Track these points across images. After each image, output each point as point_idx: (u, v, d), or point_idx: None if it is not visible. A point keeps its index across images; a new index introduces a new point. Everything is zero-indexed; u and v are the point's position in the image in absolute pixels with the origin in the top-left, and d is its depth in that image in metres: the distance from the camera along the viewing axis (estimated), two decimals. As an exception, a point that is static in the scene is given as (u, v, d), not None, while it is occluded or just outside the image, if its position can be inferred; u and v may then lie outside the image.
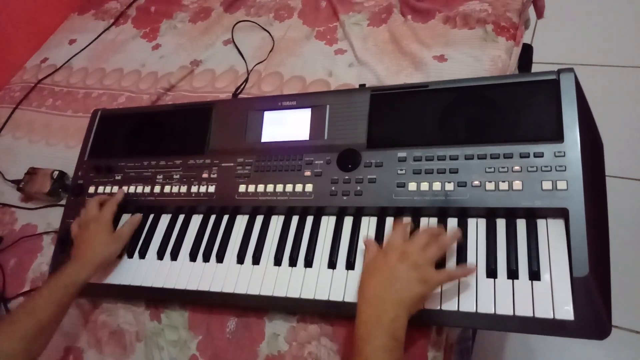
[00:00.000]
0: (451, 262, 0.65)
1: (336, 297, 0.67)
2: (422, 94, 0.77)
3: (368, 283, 0.61)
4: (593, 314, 0.57)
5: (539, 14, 1.08)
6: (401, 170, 0.72)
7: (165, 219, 0.85)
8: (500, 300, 0.60)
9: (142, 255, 0.82)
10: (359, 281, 0.64)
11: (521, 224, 0.65)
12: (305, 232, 0.75)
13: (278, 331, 0.71)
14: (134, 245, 0.83)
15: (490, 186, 0.66)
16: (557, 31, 1.79)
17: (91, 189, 0.90)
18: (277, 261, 0.74)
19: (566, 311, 0.57)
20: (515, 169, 0.66)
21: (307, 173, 0.77)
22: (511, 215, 0.66)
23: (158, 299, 0.79)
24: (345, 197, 0.73)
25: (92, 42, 1.34)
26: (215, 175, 0.83)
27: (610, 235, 0.67)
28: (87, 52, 1.32)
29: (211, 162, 0.84)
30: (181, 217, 0.85)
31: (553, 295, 0.59)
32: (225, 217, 0.82)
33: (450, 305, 0.61)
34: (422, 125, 0.74)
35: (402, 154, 0.73)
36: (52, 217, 0.98)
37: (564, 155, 0.64)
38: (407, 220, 0.69)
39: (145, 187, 0.87)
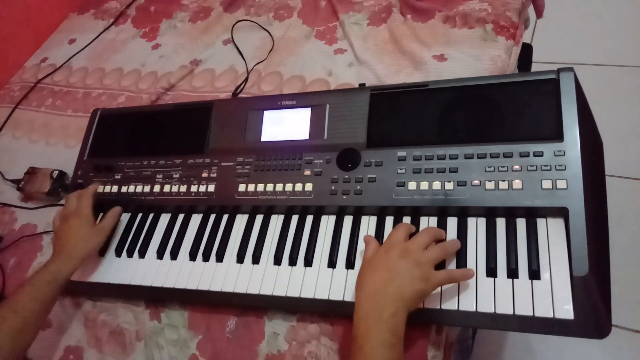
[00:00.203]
0: (451, 263, 0.65)
1: (336, 296, 0.67)
2: (422, 93, 0.77)
3: (368, 278, 0.60)
4: (593, 313, 0.57)
5: (539, 14, 1.08)
6: (401, 169, 0.72)
7: (165, 219, 0.86)
8: (500, 299, 0.60)
9: (142, 254, 0.82)
10: (357, 276, 0.63)
11: (521, 223, 0.65)
12: (305, 231, 0.75)
13: (278, 330, 0.71)
14: (134, 245, 0.83)
15: (490, 185, 0.66)
16: (556, 31, 1.79)
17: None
18: (277, 260, 0.74)
19: (566, 310, 0.57)
20: (515, 168, 0.66)
21: (307, 172, 0.77)
22: (511, 214, 0.66)
23: (158, 298, 0.79)
24: (345, 197, 0.73)
25: (91, 42, 1.34)
26: (214, 175, 0.83)
27: (610, 235, 0.67)
28: (87, 51, 1.32)
29: (211, 162, 0.84)
30: (181, 217, 0.85)
31: (553, 295, 0.59)
32: (225, 217, 0.82)
33: (450, 304, 0.61)
34: (422, 124, 0.74)
35: (401, 153, 0.73)
36: (51, 217, 0.97)
37: (564, 155, 0.64)
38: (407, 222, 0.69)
39: (145, 186, 0.87)
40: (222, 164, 0.83)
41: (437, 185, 0.69)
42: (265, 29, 1.15)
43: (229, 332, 0.73)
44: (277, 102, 0.85)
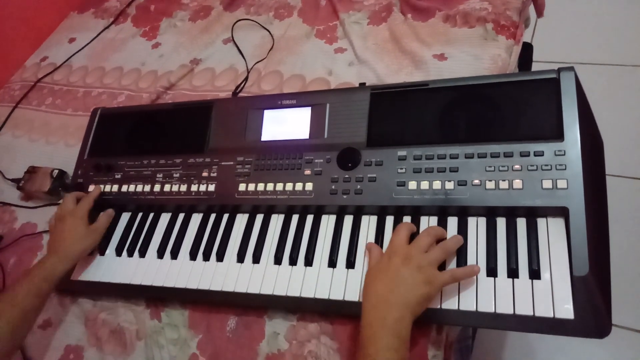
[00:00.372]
0: (451, 262, 0.65)
1: (336, 295, 0.67)
2: (422, 92, 0.77)
3: (372, 287, 0.61)
4: (593, 312, 0.57)
5: (539, 13, 1.07)
6: (401, 169, 0.72)
7: (165, 218, 0.85)
8: (500, 299, 0.60)
9: (142, 254, 0.82)
10: (363, 284, 0.63)
11: (521, 223, 0.65)
12: (306, 231, 0.75)
13: (278, 330, 0.71)
14: (134, 244, 0.83)
15: (490, 185, 0.66)
16: (557, 30, 1.79)
17: (91, 188, 0.90)
18: (277, 260, 0.74)
19: (566, 310, 0.57)
20: (516, 167, 0.66)
21: (307, 172, 0.77)
22: (511, 214, 0.66)
23: (158, 297, 0.79)
24: (345, 196, 0.73)
25: (91, 41, 1.34)
26: (215, 174, 0.83)
27: (610, 234, 0.67)
28: (87, 50, 1.32)
29: (211, 161, 0.84)
30: (181, 216, 0.85)
31: (553, 294, 0.59)
32: (225, 216, 0.82)
33: (450, 304, 0.62)
34: (422, 124, 0.74)
35: (402, 152, 0.73)
36: (52, 216, 0.98)
37: (564, 154, 0.64)
38: (407, 221, 0.69)
39: (145, 185, 0.87)
40: (223, 163, 0.83)
41: (437, 184, 0.69)
42: (265, 28, 1.15)
43: (229, 332, 0.73)
44: (278, 101, 0.85)
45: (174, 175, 0.86)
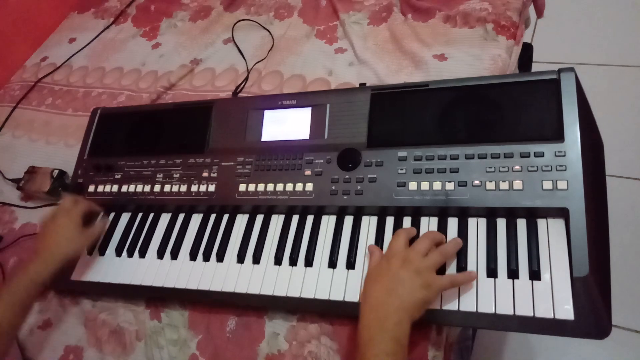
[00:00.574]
0: (452, 264, 0.65)
1: (336, 296, 0.67)
2: (423, 93, 0.77)
3: (371, 290, 0.61)
4: (593, 313, 0.57)
5: (539, 13, 1.07)
6: (401, 169, 0.72)
7: (165, 218, 0.85)
8: (501, 299, 0.60)
9: (142, 254, 0.82)
10: (362, 287, 0.63)
11: (521, 224, 0.65)
12: (306, 231, 0.75)
13: (278, 330, 0.71)
14: (134, 244, 0.83)
15: (490, 186, 0.66)
16: (557, 30, 1.79)
17: (91, 188, 0.90)
18: (278, 260, 0.74)
19: (566, 311, 0.57)
20: (516, 168, 0.66)
21: (308, 172, 0.77)
22: (511, 214, 0.66)
23: (158, 298, 0.79)
24: (345, 197, 0.73)
25: (92, 41, 1.34)
26: (215, 174, 0.83)
27: (610, 235, 0.67)
28: (87, 50, 1.32)
29: (211, 161, 0.84)
30: (181, 216, 0.85)
31: (553, 295, 0.59)
32: (226, 217, 0.82)
33: (450, 305, 0.61)
34: (423, 124, 0.74)
35: (402, 153, 0.73)
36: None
37: (565, 155, 0.64)
38: (407, 223, 0.69)
39: (145, 186, 0.87)
40: (223, 163, 0.83)
41: (437, 185, 0.69)
42: (265, 28, 1.15)
43: (229, 332, 0.73)
44: (278, 101, 0.85)
45: (174, 175, 0.86)
